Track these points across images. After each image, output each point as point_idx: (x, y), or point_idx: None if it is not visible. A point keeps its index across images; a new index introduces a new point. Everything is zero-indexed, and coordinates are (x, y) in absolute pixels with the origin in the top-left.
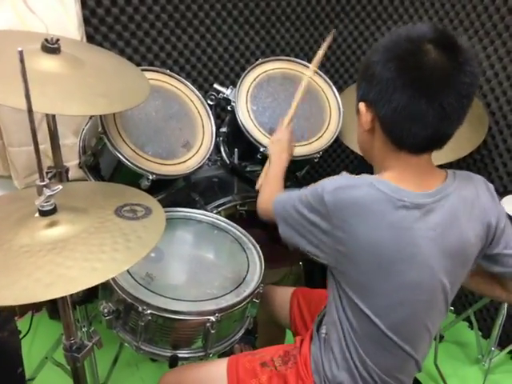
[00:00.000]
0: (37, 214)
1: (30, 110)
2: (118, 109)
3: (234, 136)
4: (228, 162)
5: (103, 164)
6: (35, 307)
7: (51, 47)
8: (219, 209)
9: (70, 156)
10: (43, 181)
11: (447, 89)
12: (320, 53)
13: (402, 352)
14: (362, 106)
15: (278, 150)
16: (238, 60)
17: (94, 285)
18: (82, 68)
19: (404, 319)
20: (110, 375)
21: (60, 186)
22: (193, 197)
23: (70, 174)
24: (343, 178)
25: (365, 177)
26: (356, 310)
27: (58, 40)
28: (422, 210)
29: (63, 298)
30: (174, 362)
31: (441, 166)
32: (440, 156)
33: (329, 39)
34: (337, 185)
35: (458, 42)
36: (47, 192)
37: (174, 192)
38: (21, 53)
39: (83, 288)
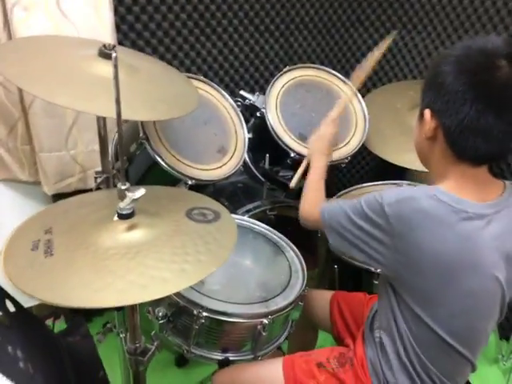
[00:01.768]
0: (116, 218)
1: (118, 116)
2: (177, 114)
3: (260, 142)
4: (253, 168)
5: (134, 169)
6: (55, 314)
7: (109, 53)
8: (249, 213)
9: (98, 162)
10: (124, 184)
11: None
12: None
13: (462, 357)
14: (427, 113)
15: (319, 148)
16: (258, 67)
17: (188, 286)
18: (137, 74)
19: (465, 326)
20: None
21: (143, 190)
22: (221, 202)
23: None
24: (403, 190)
25: (425, 188)
26: (415, 317)
27: (114, 46)
28: (484, 220)
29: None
30: (224, 365)
31: None
32: None
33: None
34: (398, 197)
35: None
36: (132, 196)
37: None
38: (115, 58)
39: (179, 289)
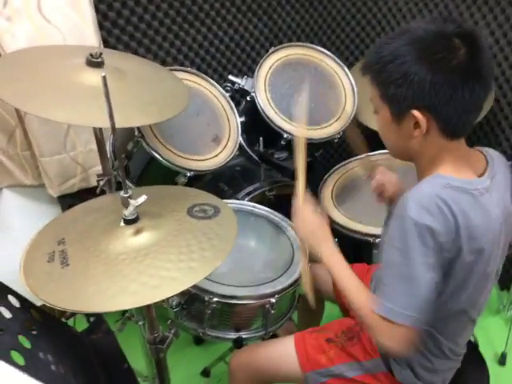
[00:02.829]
0: (122, 223)
1: (113, 130)
2: (169, 115)
3: (253, 125)
4: (248, 150)
5: (133, 165)
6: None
7: (96, 61)
8: (249, 196)
9: (98, 160)
10: (126, 192)
11: (492, 71)
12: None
13: (467, 318)
14: (417, 114)
15: (318, 243)
16: (244, 48)
17: (195, 282)
18: (125, 79)
19: (476, 294)
20: None
21: (145, 196)
22: (221, 187)
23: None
24: (417, 196)
25: (427, 185)
26: None
27: (101, 53)
28: (489, 192)
29: None
30: (238, 343)
31: None
32: None
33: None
34: (423, 211)
35: (478, 33)
36: (134, 203)
37: (203, 185)
38: (104, 78)
39: (188, 286)
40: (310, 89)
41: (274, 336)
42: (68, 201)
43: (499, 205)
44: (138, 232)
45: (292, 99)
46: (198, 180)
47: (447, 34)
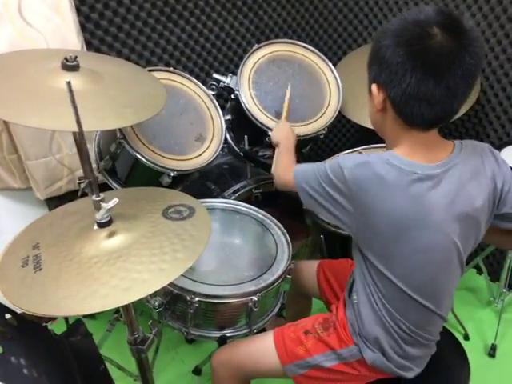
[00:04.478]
0: (95, 227)
1: (81, 135)
2: (144, 117)
3: (239, 123)
4: (236, 148)
5: (120, 166)
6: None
7: (71, 65)
8: (236, 194)
9: None
10: (98, 196)
11: (453, 70)
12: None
13: (426, 309)
14: (374, 87)
15: (283, 136)
16: (230, 45)
17: (166, 284)
18: (101, 81)
19: (424, 280)
20: (153, 363)
21: (116, 199)
22: (208, 186)
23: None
24: (360, 156)
25: (379, 154)
26: (379, 274)
27: (76, 57)
28: (433, 180)
29: None
30: (222, 342)
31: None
32: None
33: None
34: (356, 162)
35: (464, 23)
36: (106, 206)
37: (189, 184)
38: (69, 83)
39: (158, 288)
40: (295, 85)
41: (263, 331)
42: (56, 203)
43: (447, 196)
44: (111, 235)
45: (276, 96)
46: (184, 179)
47: (430, 21)
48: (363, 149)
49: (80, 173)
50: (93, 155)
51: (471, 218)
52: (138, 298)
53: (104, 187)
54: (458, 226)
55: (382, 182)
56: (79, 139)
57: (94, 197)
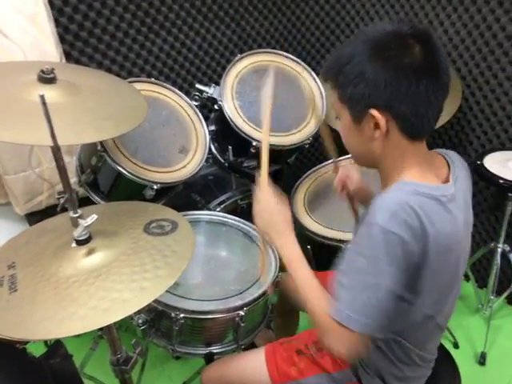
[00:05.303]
0: (74, 244)
1: (57, 149)
2: (124, 129)
3: (223, 133)
4: (221, 158)
5: (102, 179)
6: None
7: (48, 77)
8: (221, 206)
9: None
10: (76, 212)
11: (447, 70)
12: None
13: (437, 328)
14: (375, 112)
15: (271, 224)
16: (213, 56)
17: (147, 303)
18: (80, 93)
19: (443, 300)
20: (140, 379)
21: (95, 215)
22: (193, 198)
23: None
24: (385, 204)
25: (398, 188)
26: None
27: (53, 69)
28: (454, 198)
29: None
30: (209, 358)
31: None
32: None
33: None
34: (392, 212)
35: (431, 32)
36: (84, 223)
37: (174, 196)
38: (42, 97)
39: (139, 308)
40: (278, 95)
41: (253, 345)
42: (37, 218)
43: (462, 210)
44: (89, 253)
45: (260, 106)
46: (169, 192)
47: (401, 33)
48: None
49: (60, 187)
50: (73, 168)
51: (470, 227)
52: (119, 319)
53: (86, 201)
54: (466, 237)
55: (428, 211)
56: (56, 153)
57: (71, 213)
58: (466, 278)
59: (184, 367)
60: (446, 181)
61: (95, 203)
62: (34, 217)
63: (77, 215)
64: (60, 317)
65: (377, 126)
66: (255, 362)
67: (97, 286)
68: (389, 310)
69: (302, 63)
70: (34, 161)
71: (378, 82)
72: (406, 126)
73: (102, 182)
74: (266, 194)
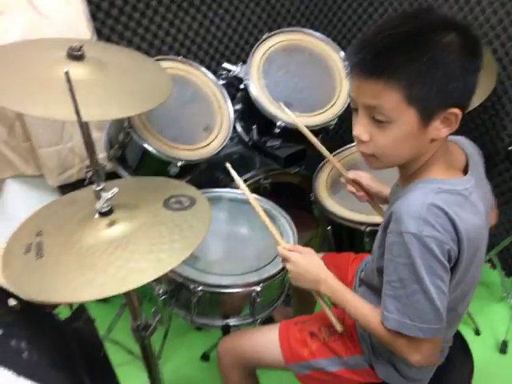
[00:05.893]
0: (97, 216)
1: (81, 125)
2: (150, 106)
3: (249, 113)
4: (246, 138)
5: (130, 155)
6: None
7: (77, 55)
8: (245, 184)
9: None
10: (99, 186)
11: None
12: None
13: (456, 314)
14: (456, 111)
15: (317, 287)
16: (242, 34)
17: (162, 274)
18: (107, 70)
19: (466, 291)
20: (162, 348)
21: (116, 189)
22: (217, 176)
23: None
24: (412, 207)
25: (421, 194)
26: None
27: (81, 46)
28: (476, 188)
29: None
30: (226, 330)
31: None
32: None
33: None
34: (424, 224)
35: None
36: (105, 196)
37: (199, 174)
38: (67, 74)
39: (154, 278)
40: (304, 75)
41: (271, 320)
42: (69, 190)
43: (482, 199)
44: (111, 224)
45: (287, 86)
46: (193, 169)
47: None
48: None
49: None
50: (103, 144)
51: (489, 216)
52: (135, 287)
53: (115, 176)
54: (487, 227)
55: (454, 208)
56: (83, 128)
57: (94, 186)
58: (493, 265)
59: (205, 338)
60: (465, 171)
61: (123, 177)
62: (66, 189)
63: (99, 188)
64: (79, 282)
65: (449, 124)
66: (269, 338)
67: (116, 256)
68: (444, 310)
69: (332, 42)
70: (66, 135)
71: (457, 75)
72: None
73: (129, 157)
74: (292, 259)
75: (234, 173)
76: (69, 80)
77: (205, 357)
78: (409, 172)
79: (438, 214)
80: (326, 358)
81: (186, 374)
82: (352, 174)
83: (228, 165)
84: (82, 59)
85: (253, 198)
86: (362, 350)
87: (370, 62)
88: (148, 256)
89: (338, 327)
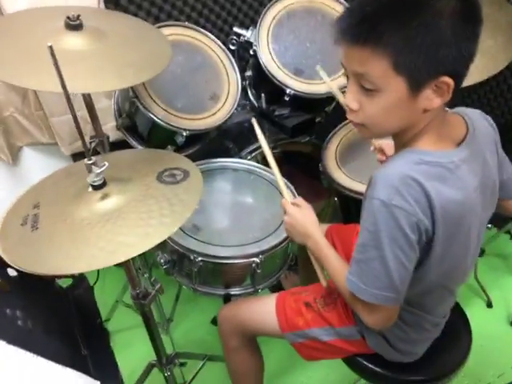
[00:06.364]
0: (90, 189)
1: (68, 98)
2: (145, 77)
3: (259, 79)
4: (256, 105)
5: (139, 123)
6: None
7: (74, 24)
8: (253, 154)
9: (107, 119)
10: (90, 159)
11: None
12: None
13: (446, 291)
14: (448, 80)
15: (302, 238)
16: None
17: (149, 248)
18: (106, 40)
19: (454, 267)
20: (174, 311)
21: (106, 163)
22: (226, 145)
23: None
24: (387, 176)
25: (399, 164)
26: None
27: (79, 16)
28: (466, 162)
29: None
30: (227, 299)
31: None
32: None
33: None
34: (395, 194)
35: None
36: (96, 170)
37: (208, 142)
38: (51, 48)
39: (141, 252)
40: (316, 40)
41: (280, 288)
42: (81, 159)
43: (477, 172)
44: (104, 197)
45: (297, 51)
46: (203, 138)
47: None
48: None
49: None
50: (112, 112)
51: (493, 192)
52: (122, 261)
53: (126, 145)
54: (486, 204)
55: (432, 181)
56: (86, 99)
57: (85, 160)
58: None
59: (216, 302)
60: (460, 144)
61: (133, 147)
62: (79, 157)
63: (91, 162)
64: (72, 254)
65: (441, 94)
66: (266, 307)
67: (107, 229)
68: (401, 281)
69: (344, 3)
70: (77, 104)
71: (445, 41)
72: (456, 86)
73: (141, 126)
74: (289, 211)
75: (257, 128)
76: (52, 53)
77: (214, 321)
78: (401, 142)
79: (411, 184)
80: (320, 328)
81: (197, 337)
82: (378, 143)
83: (254, 120)
84: (81, 29)
85: (271, 155)
86: (355, 321)
87: (356, 28)
88: (136, 230)
89: (324, 282)
